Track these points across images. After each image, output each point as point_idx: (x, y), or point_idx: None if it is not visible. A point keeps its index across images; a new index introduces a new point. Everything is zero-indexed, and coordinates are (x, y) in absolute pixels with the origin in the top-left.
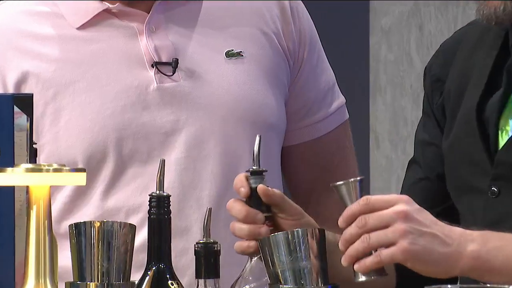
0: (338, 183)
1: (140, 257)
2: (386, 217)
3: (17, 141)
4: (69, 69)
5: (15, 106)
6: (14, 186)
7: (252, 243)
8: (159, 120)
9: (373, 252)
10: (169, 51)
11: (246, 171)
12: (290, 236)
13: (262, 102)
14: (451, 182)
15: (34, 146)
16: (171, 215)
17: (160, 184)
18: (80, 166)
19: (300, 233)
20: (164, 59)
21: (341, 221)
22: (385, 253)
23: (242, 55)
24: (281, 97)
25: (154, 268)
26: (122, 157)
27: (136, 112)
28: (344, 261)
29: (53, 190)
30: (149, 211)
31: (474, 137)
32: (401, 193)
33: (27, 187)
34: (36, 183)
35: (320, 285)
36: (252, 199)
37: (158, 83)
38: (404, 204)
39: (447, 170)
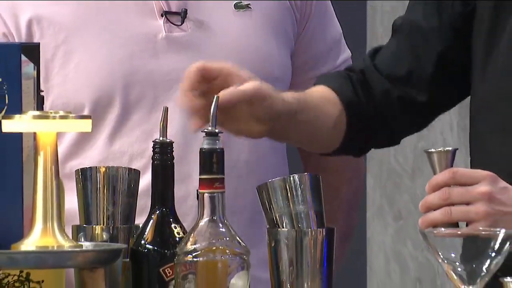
0: (430, 150)
1: (142, 202)
2: (469, 196)
3: (25, 89)
4: (81, 14)
5: (22, 55)
6: (22, 133)
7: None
8: (166, 68)
9: None
10: (178, 1)
11: (202, 131)
12: (287, 181)
13: (268, 55)
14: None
15: (41, 93)
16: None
17: (164, 131)
18: (87, 109)
19: (297, 178)
20: (173, 9)
21: (427, 187)
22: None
23: (250, 8)
24: (286, 51)
25: (158, 212)
26: (128, 102)
27: (144, 59)
28: (421, 224)
29: (60, 132)
30: (152, 157)
31: None
32: None
33: (35, 133)
34: (43, 129)
35: (316, 228)
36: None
37: (166, 32)
38: (488, 183)
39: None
